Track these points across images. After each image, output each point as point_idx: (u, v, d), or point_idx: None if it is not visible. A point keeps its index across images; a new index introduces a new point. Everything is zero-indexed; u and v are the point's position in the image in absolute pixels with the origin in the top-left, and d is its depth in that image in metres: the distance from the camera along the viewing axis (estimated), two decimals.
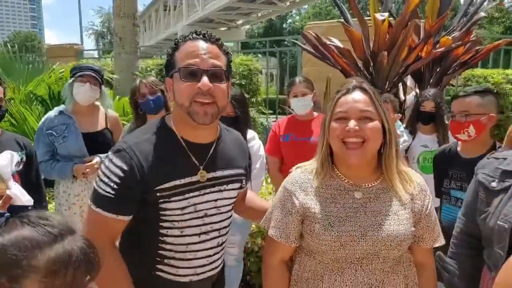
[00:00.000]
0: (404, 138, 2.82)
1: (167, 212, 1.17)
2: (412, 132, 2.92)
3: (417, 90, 3.93)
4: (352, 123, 1.16)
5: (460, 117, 1.88)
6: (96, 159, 2.43)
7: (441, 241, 1.30)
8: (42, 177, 2.42)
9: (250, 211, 1.55)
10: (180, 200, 1.17)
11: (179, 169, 1.17)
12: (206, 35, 1.18)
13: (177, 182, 1.15)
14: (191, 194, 1.18)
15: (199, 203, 1.20)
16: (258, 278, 3.09)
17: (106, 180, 1.12)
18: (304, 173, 1.30)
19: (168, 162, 1.15)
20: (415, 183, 1.27)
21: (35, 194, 2.12)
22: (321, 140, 1.27)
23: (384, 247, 1.19)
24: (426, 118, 2.84)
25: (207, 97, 1.12)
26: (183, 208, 1.17)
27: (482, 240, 1.43)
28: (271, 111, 7.12)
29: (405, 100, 3.96)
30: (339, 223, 1.19)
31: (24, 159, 2.01)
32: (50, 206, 3.04)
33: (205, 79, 1.11)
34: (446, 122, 2.03)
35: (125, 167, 1.11)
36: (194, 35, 1.17)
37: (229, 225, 1.35)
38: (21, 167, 2.03)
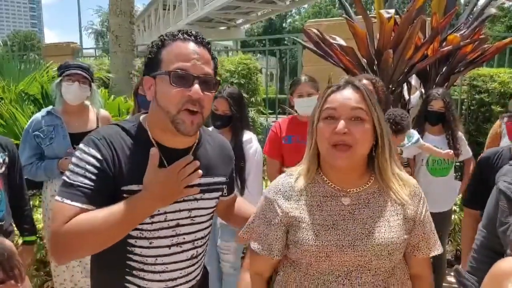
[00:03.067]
0: (420, 141, 2.63)
1: None
2: (420, 132, 2.80)
3: (422, 90, 3.82)
4: (341, 124, 1.06)
5: None
6: None
7: (438, 250, 1.19)
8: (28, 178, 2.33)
9: (240, 220, 1.43)
10: None
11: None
12: (197, 36, 1.09)
13: None
14: None
15: (170, 212, 1.12)
16: None
17: (81, 171, 1.03)
18: (287, 178, 1.21)
19: (139, 164, 1.06)
20: (409, 188, 1.17)
21: (18, 198, 2.03)
22: (309, 141, 1.17)
23: (375, 257, 1.08)
24: (434, 118, 2.73)
25: (196, 106, 1.05)
26: (152, 217, 1.09)
27: (506, 255, 1.31)
28: (271, 111, 7.03)
29: (409, 99, 3.85)
30: (325, 232, 1.10)
31: (7, 160, 1.91)
32: (39, 210, 2.93)
33: (196, 86, 1.04)
34: (503, 123, 1.82)
35: (99, 156, 1.04)
36: (185, 35, 1.07)
37: (206, 236, 1.26)
38: (3, 169, 1.93)
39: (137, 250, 1.12)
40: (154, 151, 1.03)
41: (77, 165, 1.04)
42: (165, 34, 1.10)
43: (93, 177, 1.02)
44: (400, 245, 1.10)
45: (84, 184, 1.01)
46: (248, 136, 2.35)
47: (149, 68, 1.09)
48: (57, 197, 1.02)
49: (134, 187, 1.05)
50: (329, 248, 1.08)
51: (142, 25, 33.60)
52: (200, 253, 1.25)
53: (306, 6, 36.56)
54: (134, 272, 1.13)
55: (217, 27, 25.36)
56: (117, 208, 1.00)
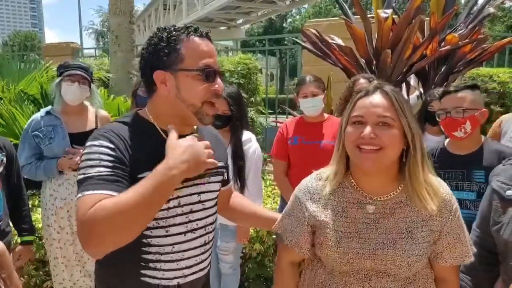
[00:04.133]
0: None
1: None
2: None
3: (421, 90, 3.82)
4: (367, 130, 1.06)
5: (456, 113, 1.77)
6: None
7: (466, 259, 1.15)
8: (28, 178, 2.34)
9: (237, 213, 1.52)
10: None
11: (162, 159, 1.06)
12: (207, 33, 1.15)
13: None
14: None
15: (183, 196, 1.15)
16: (256, 285, 2.98)
17: (96, 163, 1.00)
18: (317, 180, 1.23)
19: (149, 151, 1.08)
20: (439, 198, 1.12)
21: (16, 198, 2.04)
22: (337, 144, 1.18)
23: (394, 267, 1.09)
24: (434, 119, 2.72)
25: (218, 99, 1.14)
26: (167, 202, 1.11)
27: (499, 254, 1.32)
28: (271, 111, 7.03)
29: (408, 99, 3.85)
30: (347, 239, 1.12)
31: (4, 161, 1.92)
32: (38, 210, 2.94)
33: (219, 81, 1.13)
34: (438, 120, 1.90)
35: (112, 146, 1.03)
36: (198, 31, 1.12)
37: (214, 222, 1.30)
38: (1, 169, 1.94)
39: (154, 241, 1.13)
40: (170, 126, 1.07)
41: (89, 159, 1.01)
42: (174, 28, 1.11)
43: (110, 164, 1.00)
44: (422, 257, 1.09)
45: (102, 172, 0.98)
46: (247, 136, 2.36)
47: (164, 63, 1.09)
48: (76, 197, 0.98)
49: (147, 173, 1.04)
50: (349, 255, 1.10)
51: (143, 25, 33.60)
52: (211, 240, 1.28)
53: (306, 6, 36.55)
54: (150, 264, 1.14)
55: (217, 27, 25.36)
56: (141, 185, 0.95)
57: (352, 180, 1.17)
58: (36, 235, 2.77)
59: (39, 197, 2.98)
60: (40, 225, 2.71)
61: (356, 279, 1.13)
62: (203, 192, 1.21)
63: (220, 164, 1.28)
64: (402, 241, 1.08)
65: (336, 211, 1.15)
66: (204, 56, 1.10)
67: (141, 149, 1.08)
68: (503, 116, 2.33)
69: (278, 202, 2.96)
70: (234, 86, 2.54)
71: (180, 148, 1.00)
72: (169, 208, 1.13)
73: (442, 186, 1.16)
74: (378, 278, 1.11)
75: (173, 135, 1.05)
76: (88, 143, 1.05)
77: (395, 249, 1.08)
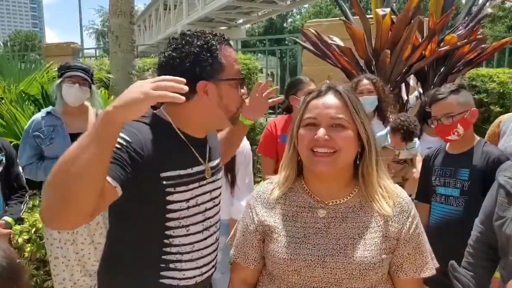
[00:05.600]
0: (417, 152, 2.64)
1: (173, 206, 1.13)
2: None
3: (420, 90, 3.83)
4: (321, 132, 1.01)
5: (446, 120, 1.85)
6: None
7: (428, 271, 1.08)
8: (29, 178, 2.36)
9: None
10: (184, 191, 1.15)
11: (181, 159, 1.16)
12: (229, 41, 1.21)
13: (181, 172, 1.14)
14: (192, 186, 1.17)
15: (199, 195, 1.20)
16: None
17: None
18: (268, 185, 1.18)
19: (169, 150, 1.13)
20: (395, 201, 1.07)
21: (13, 195, 2.06)
22: (287, 148, 1.13)
23: (346, 276, 1.01)
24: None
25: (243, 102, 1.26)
26: (187, 200, 1.16)
27: (499, 249, 1.33)
28: (271, 111, 7.04)
29: (408, 100, 3.86)
30: (295, 245, 1.04)
31: (4, 161, 1.94)
32: (39, 210, 2.96)
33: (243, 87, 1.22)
34: (431, 126, 1.97)
35: (128, 139, 1.03)
36: (227, 40, 1.19)
37: (219, 218, 1.35)
38: (1, 168, 1.96)
39: (176, 241, 1.16)
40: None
41: None
42: (209, 37, 1.13)
43: (117, 151, 0.99)
44: (375, 265, 1.01)
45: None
46: None
47: (207, 73, 1.11)
48: None
49: (171, 173, 1.11)
50: (297, 262, 1.03)
51: (143, 25, 33.64)
52: (218, 236, 1.32)
53: (306, 6, 36.55)
54: (170, 265, 1.16)
55: (217, 27, 25.38)
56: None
57: (304, 184, 1.12)
58: (37, 235, 2.79)
59: (39, 197, 2.99)
60: (40, 225, 2.72)
61: None
62: (213, 190, 1.27)
63: (219, 160, 1.36)
64: (353, 247, 1.02)
65: (286, 216, 1.09)
66: (236, 64, 1.17)
67: (162, 148, 1.10)
68: (502, 116, 2.34)
69: None
70: None
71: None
72: (189, 207, 1.17)
73: (398, 191, 1.10)
74: None
75: None
76: None
77: (346, 256, 1.01)
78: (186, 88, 0.91)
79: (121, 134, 1.02)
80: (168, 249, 1.15)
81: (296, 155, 1.11)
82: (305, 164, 1.11)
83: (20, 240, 2.12)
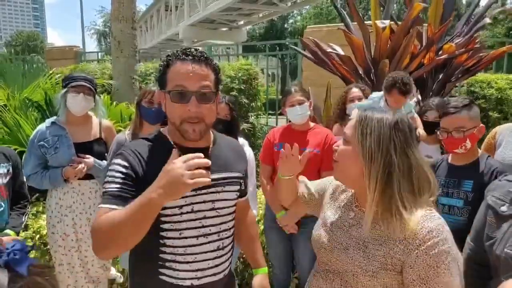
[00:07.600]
0: (414, 114, 2.80)
1: (166, 212, 1.20)
2: None
3: (419, 97, 3.87)
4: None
5: (457, 134, 1.88)
6: (90, 159, 2.41)
7: None
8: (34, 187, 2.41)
9: (242, 239, 1.59)
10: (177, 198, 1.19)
11: None
12: (195, 55, 1.21)
13: None
14: (187, 194, 1.19)
15: (196, 203, 1.24)
16: None
17: (111, 179, 1.17)
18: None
19: (164, 162, 1.14)
20: (410, 228, 1.06)
21: (17, 204, 2.11)
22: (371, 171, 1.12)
23: (353, 270, 1.15)
24: (429, 128, 2.78)
25: (194, 118, 1.21)
26: (180, 207, 1.21)
27: (491, 268, 1.36)
28: (272, 112, 7.08)
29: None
30: (322, 230, 1.27)
31: (10, 171, 1.98)
32: (43, 216, 3.00)
33: (193, 101, 1.19)
34: (440, 138, 2.00)
35: (126, 164, 1.18)
36: (183, 55, 1.21)
37: (231, 228, 1.37)
38: (7, 178, 2.01)
39: (169, 242, 1.23)
40: (174, 151, 1.12)
41: (108, 176, 1.19)
42: (170, 53, 1.25)
43: (120, 180, 1.16)
44: (374, 273, 1.08)
45: (112, 188, 1.15)
46: (240, 141, 2.43)
47: (160, 84, 1.26)
48: (98, 206, 1.17)
49: None
50: (318, 244, 1.26)
51: (144, 26, 33.66)
52: (226, 246, 1.34)
53: (307, 7, 36.56)
54: (166, 264, 1.24)
55: (218, 28, 25.38)
56: (131, 204, 1.07)
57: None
58: (41, 241, 2.84)
59: (43, 203, 3.03)
60: (44, 232, 2.77)
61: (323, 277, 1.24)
62: (218, 200, 1.29)
63: (236, 174, 1.37)
64: (354, 250, 1.15)
65: (336, 206, 1.29)
66: (177, 78, 1.19)
67: (158, 164, 1.13)
68: (497, 127, 2.37)
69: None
70: (231, 97, 2.63)
71: (161, 174, 1.06)
72: (182, 213, 1.23)
73: (419, 220, 1.07)
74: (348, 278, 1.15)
75: (173, 158, 1.10)
76: (112, 161, 1.23)
77: (347, 254, 1.16)
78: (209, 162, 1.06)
79: (121, 162, 1.19)
80: (163, 249, 1.24)
81: None
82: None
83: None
